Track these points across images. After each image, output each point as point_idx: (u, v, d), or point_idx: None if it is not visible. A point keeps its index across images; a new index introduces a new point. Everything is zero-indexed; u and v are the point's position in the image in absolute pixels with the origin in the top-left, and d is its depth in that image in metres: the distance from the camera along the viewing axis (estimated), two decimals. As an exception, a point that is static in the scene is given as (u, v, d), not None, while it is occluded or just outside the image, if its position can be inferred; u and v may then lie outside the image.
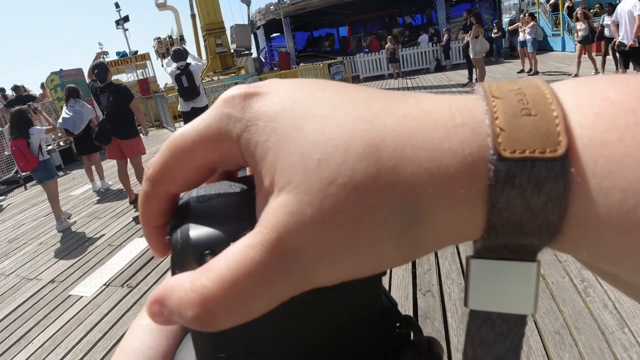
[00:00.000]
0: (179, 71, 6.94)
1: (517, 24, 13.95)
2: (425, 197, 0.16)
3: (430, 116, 0.18)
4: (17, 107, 5.83)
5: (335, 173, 0.17)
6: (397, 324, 0.27)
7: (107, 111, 5.70)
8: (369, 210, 0.17)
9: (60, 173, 9.55)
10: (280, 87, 0.20)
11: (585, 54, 10.20)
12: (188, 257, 0.20)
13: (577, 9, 11.28)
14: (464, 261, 2.89)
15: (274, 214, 0.18)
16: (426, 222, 0.17)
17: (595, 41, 10.26)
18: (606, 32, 9.72)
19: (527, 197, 0.16)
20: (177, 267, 0.21)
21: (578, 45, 10.42)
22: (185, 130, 0.21)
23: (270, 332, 0.18)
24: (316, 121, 0.18)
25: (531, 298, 0.18)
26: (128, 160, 5.90)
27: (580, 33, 10.27)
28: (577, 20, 10.41)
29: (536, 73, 11.76)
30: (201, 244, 0.20)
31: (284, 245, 0.17)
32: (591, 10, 15.56)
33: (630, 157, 0.15)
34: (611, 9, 9.95)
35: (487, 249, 0.18)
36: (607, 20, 9.71)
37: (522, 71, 12.61)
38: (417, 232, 0.17)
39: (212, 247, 0.20)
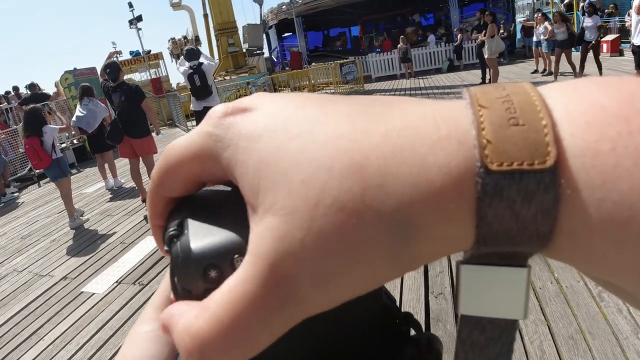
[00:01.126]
0: (191, 70, 6.98)
1: (531, 22, 13.80)
2: (415, 213, 0.16)
3: (414, 130, 0.17)
4: (32, 106, 5.91)
5: (320, 194, 0.17)
6: (397, 321, 0.27)
7: (119, 110, 5.75)
8: (359, 230, 0.16)
9: (74, 171, 9.66)
10: (266, 104, 0.20)
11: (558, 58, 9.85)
12: (190, 271, 0.20)
13: (555, 11, 10.93)
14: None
15: (262, 238, 0.17)
16: (418, 237, 0.17)
17: (574, 45, 9.84)
18: (587, 35, 9.35)
19: (516, 210, 0.15)
20: (178, 279, 0.20)
21: (557, 49, 10.03)
22: (175, 144, 0.22)
23: None
24: (298, 141, 0.18)
25: (522, 303, 0.18)
26: (140, 159, 5.95)
27: (558, 36, 9.88)
28: (555, 22, 9.99)
29: (550, 73, 11.65)
30: (204, 257, 0.19)
31: (277, 274, 0.17)
32: (606, 11, 15.42)
33: (622, 168, 0.15)
34: (592, 9, 9.58)
35: (477, 256, 0.17)
36: (587, 22, 9.35)
37: (536, 71, 12.50)
38: (410, 248, 0.17)
39: (215, 261, 0.19)
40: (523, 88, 0.18)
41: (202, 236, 0.20)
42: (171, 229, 0.21)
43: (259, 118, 0.19)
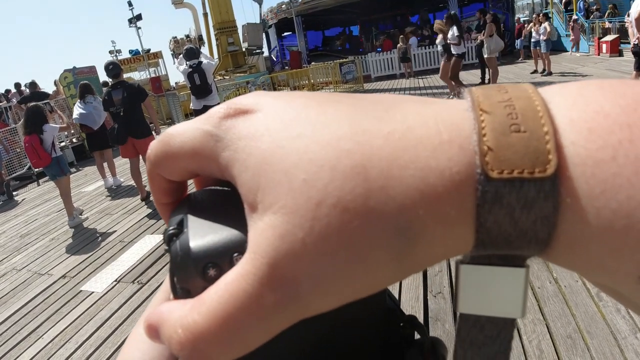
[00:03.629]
0: (191, 69, 6.97)
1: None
2: (418, 218, 0.16)
3: (415, 133, 0.17)
4: (33, 103, 5.88)
5: (323, 193, 0.16)
6: (401, 324, 0.27)
7: (122, 109, 5.74)
8: (362, 232, 0.16)
9: (73, 169, 9.63)
10: (267, 105, 0.20)
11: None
12: (189, 270, 0.19)
13: (436, 20, 9.68)
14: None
15: (262, 236, 0.17)
16: (420, 241, 0.17)
17: (446, 60, 8.99)
18: (453, 49, 8.62)
19: (515, 217, 0.16)
20: (177, 278, 0.20)
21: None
22: (175, 135, 0.21)
23: None
24: (300, 141, 0.18)
25: (520, 302, 0.18)
26: (140, 157, 5.95)
27: (439, 48, 9.27)
28: (437, 33, 9.21)
29: (550, 74, 11.66)
30: (203, 256, 0.19)
31: (278, 274, 0.16)
32: (607, 12, 15.37)
33: (622, 177, 0.15)
34: (450, 21, 8.75)
35: (477, 257, 0.18)
36: (450, 33, 8.51)
37: (535, 71, 12.48)
38: (412, 251, 0.17)
39: (215, 259, 0.19)
40: (526, 92, 0.17)
41: (201, 235, 0.20)
42: (171, 228, 0.21)
43: (260, 120, 0.19)
